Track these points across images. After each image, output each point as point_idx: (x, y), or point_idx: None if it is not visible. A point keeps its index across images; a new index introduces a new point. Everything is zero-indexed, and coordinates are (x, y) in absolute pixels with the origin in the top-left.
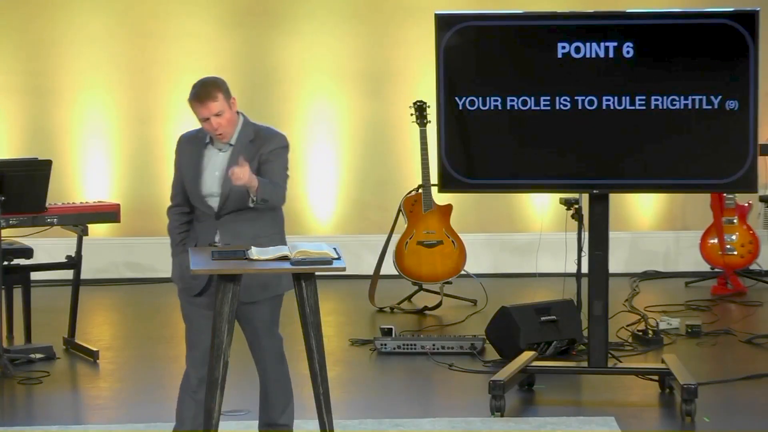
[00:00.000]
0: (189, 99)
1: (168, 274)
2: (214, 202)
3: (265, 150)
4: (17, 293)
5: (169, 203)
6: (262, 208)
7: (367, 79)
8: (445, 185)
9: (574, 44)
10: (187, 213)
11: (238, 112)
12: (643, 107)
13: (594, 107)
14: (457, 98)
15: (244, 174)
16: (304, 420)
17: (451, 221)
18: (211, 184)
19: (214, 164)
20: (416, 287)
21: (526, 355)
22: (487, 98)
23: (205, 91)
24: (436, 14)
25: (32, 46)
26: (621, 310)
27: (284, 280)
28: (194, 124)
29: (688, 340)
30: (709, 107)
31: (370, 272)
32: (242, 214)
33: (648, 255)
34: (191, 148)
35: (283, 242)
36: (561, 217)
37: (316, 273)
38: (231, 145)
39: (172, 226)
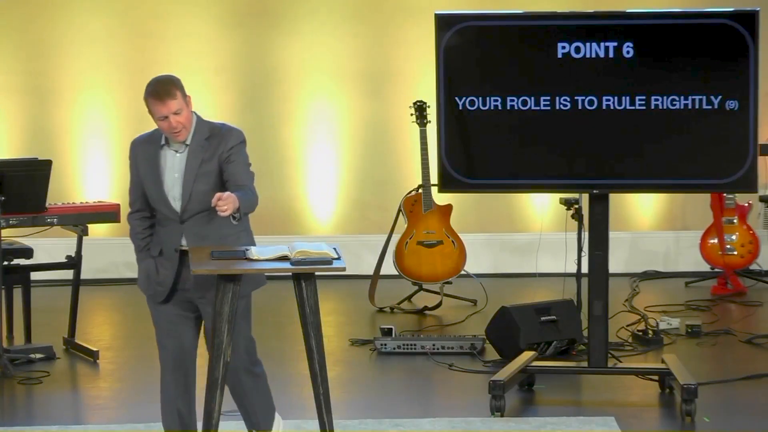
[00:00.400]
0: (146, 96)
1: None
2: (177, 205)
3: (224, 148)
4: (17, 293)
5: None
6: (239, 220)
7: (367, 79)
8: (445, 185)
9: (574, 44)
10: (149, 218)
11: (195, 114)
12: (643, 107)
13: (594, 107)
14: (457, 98)
15: (229, 204)
16: (304, 420)
17: (451, 221)
18: (171, 185)
19: (173, 166)
20: (416, 287)
21: (526, 355)
22: (487, 98)
23: (164, 89)
24: (436, 14)
25: (32, 46)
26: (621, 310)
27: (250, 278)
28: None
29: (688, 340)
30: (709, 107)
31: (370, 272)
32: (206, 216)
33: (648, 255)
34: (148, 151)
35: (251, 239)
36: (561, 217)
37: (316, 273)
38: (186, 145)
39: (134, 233)
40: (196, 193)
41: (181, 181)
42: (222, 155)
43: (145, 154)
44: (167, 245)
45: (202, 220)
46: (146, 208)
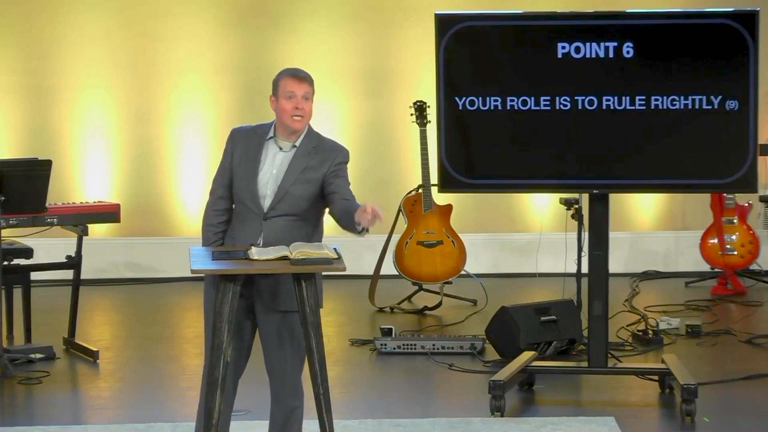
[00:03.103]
0: (280, 74)
1: (168, 274)
2: (265, 201)
3: (333, 162)
4: (17, 293)
5: (174, 205)
6: (357, 234)
7: (367, 79)
8: (445, 185)
9: (574, 44)
10: (227, 210)
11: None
12: (643, 107)
13: (594, 107)
14: (457, 98)
15: (373, 220)
16: (304, 420)
17: (451, 221)
18: (266, 180)
19: (273, 161)
20: (416, 287)
21: (526, 355)
22: (487, 98)
23: (304, 73)
24: (436, 14)
25: (32, 45)
26: (621, 310)
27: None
28: (198, 123)
29: (688, 340)
30: (709, 107)
31: (370, 272)
32: (289, 219)
33: (648, 255)
34: (249, 141)
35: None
36: (561, 217)
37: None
38: (295, 146)
39: (207, 223)
40: (291, 195)
41: (277, 179)
42: (330, 168)
43: (245, 143)
44: (243, 240)
45: (285, 223)
46: (227, 197)
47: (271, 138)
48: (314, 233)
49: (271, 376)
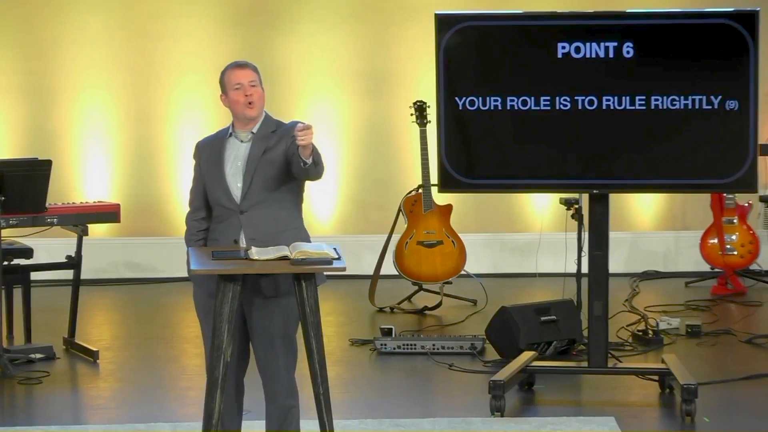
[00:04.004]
0: (223, 71)
1: (168, 274)
2: (237, 194)
3: (290, 136)
4: (17, 293)
5: (174, 205)
6: (310, 171)
7: (367, 79)
8: (445, 185)
9: (574, 44)
10: (205, 219)
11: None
12: (643, 107)
13: (594, 107)
14: (457, 98)
15: (309, 136)
16: (304, 420)
17: (451, 221)
18: (234, 174)
19: (237, 155)
20: (416, 287)
21: (526, 355)
22: (487, 98)
23: (245, 62)
24: (436, 14)
25: (32, 45)
26: (621, 310)
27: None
28: (198, 123)
29: (688, 340)
30: (709, 107)
31: (370, 272)
32: (265, 207)
33: (648, 255)
34: (212, 147)
35: (306, 236)
36: (561, 217)
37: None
38: (253, 133)
39: (188, 234)
40: (258, 180)
41: (242, 169)
42: (288, 142)
43: (209, 150)
44: (225, 240)
45: (262, 212)
46: (203, 208)
47: (230, 135)
48: (296, 216)
49: (263, 376)
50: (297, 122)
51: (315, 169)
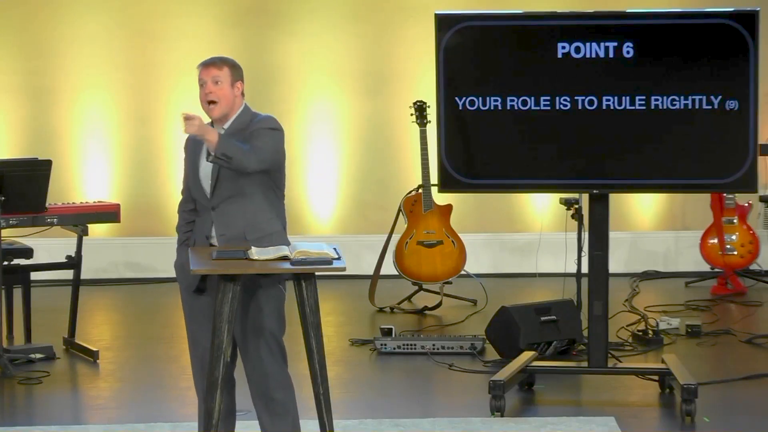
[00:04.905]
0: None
1: (168, 274)
2: (208, 190)
3: (255, 128)
4: (17, 293)
5: (174, 205)
6: (226, 167)
7: (367, 79)
8: (445, 185)
9: (574, 44)
10: (193, 210)
11: (245, 105)
12: (643, 107)
13: (594, 107)
14: (457, 98)
15: (194, 122)
16: (304, 420)
17: (451, 221)
18: (206, 169)
19: (210, 151)
20: (416, 287)
21: (526, 355)
22: (487, 98)
23: (213, 59)
24: (436, 14)
25: (32, 46)
26: (621, 310)
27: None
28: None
29: (688, 340)
30: (709, 107)
31: (370, 272)
32: (235, 202)
33: (648, 255)
34: (194, 142)
35: (279, 229)
36: (561, 217)
37: (316, 273)
38: (224, 129)
39: (178, 225)
40: (224, 176)
41: (212, 165)
42: (245, 134)
43: (192, 145)
44: (199, 233)
45: (230, 208)
46: (190, 199)
47: None
48: (265, 209)
49: (250, 369)
50: (268, 117)
51: (229, 164)
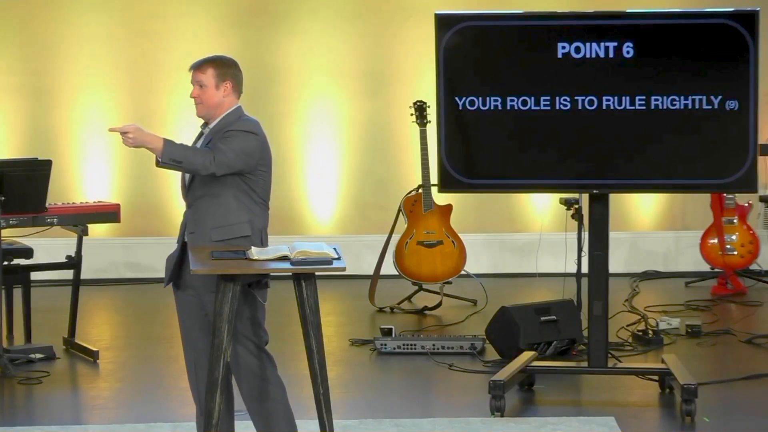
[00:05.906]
0: None
1: None
2: (187, 186)
3: (227, 129)
4: (17, 293)
5: (174, 205)
6: (177, 170)
7: (367, 79)
8: (445, 185)
9: (574, 44)
10: None
11: (238, 106)
12: (643, 107)
13: (594, 107)
14: (457, 98)
15: (129, 132)
16: (304, 420)
17: (451, 221)
18: None
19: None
20: (416, 287)
21: (526, 355)
22: (487, 98)
23: (197, 62)
24: (436, 14)
25: (32, 46)
26: (621, 310)
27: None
28: (198, 123)
29: (688, 340)
30: (709, 107)
31: (370, 272)
32: (206, 201)
33: (648, 255)
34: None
35: (248, 231)
36: (561, 217)
37: (316, 273)
38: (209, 128)
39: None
40: (198, 175)
41: None
42: (217, 136)
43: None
44: (181, 231)
45: (201, 207)
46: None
47: (201, 131)
48: (233, 210)
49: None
50: (249, 120)
51: (180, 167)
